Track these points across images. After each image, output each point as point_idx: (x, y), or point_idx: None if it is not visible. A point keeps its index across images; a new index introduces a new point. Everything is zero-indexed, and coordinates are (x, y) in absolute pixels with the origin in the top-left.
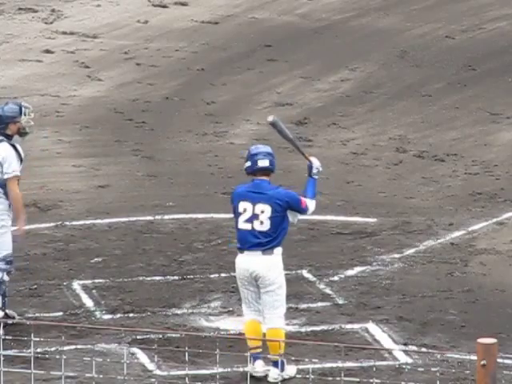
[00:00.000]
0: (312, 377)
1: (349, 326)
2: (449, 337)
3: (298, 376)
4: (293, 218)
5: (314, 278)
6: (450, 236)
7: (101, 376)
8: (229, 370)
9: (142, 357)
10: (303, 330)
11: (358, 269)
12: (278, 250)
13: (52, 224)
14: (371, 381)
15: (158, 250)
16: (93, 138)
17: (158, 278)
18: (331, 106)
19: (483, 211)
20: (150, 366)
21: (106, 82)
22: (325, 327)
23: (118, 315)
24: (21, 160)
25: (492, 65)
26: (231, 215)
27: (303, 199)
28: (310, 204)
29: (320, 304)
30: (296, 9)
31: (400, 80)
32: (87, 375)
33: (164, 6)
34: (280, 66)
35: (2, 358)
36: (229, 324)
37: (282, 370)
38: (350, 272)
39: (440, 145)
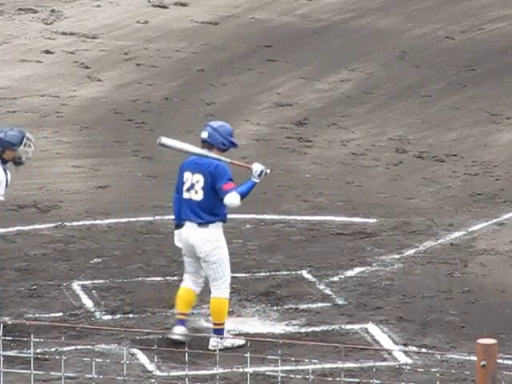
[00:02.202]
0: (312, 377)
1: (349, 327)
2: (449, 337)
3: (298, 376)
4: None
5: (314, 279)
6: (449, 236)
7: (101, 377)
8: (228, 370)
9: (142, 357)
10: (303, 330)
11: (357, 269)
12: (217, 225)
13: (52, 225)
14: (371, 381)
15: (157, 251)
16: (92, 138)
17: (157, 278)
18: (331, 106)
19: (483, 212)
20: (150, 366)
21: (105, 82)
22: (325, 328)
23: (118, 316)
24: (6, 185)
25: (492, 65)
26: (231, 216)
27: (230, 185)
28: (233, 195)
29: (320, 304)
30: (296, 9)
31: (400, 80)
32: (87, 376)
33: (164, 7)
34: (280, 66)
35: (1, 359)
36: (229, 324)
37: (222, 338)
38: (349, 273)
39: (440, 145)
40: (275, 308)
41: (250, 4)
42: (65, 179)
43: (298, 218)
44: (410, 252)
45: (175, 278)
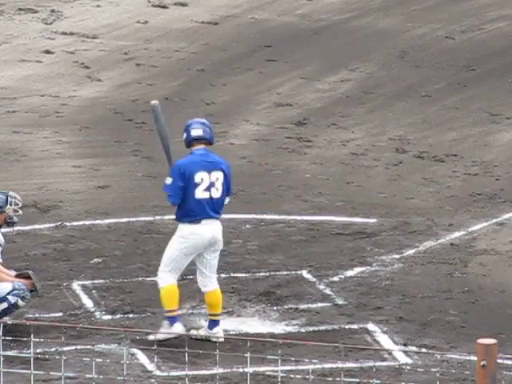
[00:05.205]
0: (312, 377)
1: (348, 327)
2: (449, 337)
3: (298, 376)
4: None
5: (314, 279)
6: (449, 236)
7: (100, 377)
8: (228, 370)
9: (142, 357)
10: (303, 330)
11: (357, 269)
12: None
13: (52, 224)
14: (371, 381)
15: (157, 251)
16: (92, 138)
17: None
18: (331, 106)
19: (483, 212)
20: (150, 366)
21: (105, 82)
22: (325, 328)
23: (118, 316)
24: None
25: (492, 65)
26: (231, 216)
27: None
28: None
29: (320, 304)
30: (296, 9)
31: (400, 80)
32: (87, 376)
33: (164, 7)
34: (280, 66)
35: (1, 359)
36: (228, 324)
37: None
38: (349, 273)
39: (440, 145)
40: (275, 308)
41: (249, 4)
42: (65, 179)
43: (298, 217)
44: (410, 252)
45: None
